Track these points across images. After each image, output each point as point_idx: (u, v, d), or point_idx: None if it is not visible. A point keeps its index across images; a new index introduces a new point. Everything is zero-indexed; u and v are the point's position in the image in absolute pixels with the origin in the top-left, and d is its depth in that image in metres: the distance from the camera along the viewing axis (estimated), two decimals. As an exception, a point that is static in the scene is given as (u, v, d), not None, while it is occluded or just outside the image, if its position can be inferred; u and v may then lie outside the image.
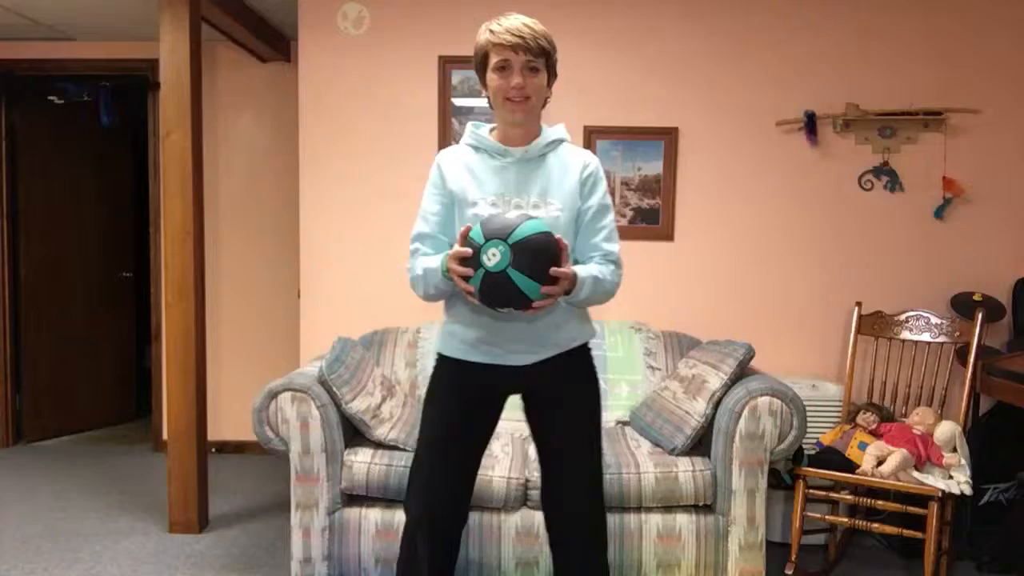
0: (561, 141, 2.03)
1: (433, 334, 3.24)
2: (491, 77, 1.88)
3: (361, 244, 3.50)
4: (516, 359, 1.95)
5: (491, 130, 2.01)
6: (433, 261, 1.89)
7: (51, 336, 4.69)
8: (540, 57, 1.87)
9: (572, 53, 3.42)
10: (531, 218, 1.75)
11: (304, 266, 3.52)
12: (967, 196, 3.36)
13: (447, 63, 3.42)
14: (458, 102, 3.43)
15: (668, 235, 3.45)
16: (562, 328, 1.96)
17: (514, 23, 1.85)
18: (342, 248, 3.50)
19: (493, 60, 1.86)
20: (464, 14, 3.42)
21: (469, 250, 1.72)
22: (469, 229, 1.76)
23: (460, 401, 2.00)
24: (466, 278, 1.74)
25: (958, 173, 3.35)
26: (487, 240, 1.70)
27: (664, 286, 3.47)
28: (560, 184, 1.95)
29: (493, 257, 1.69)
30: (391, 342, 3.24)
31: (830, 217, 3.42)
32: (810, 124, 3.32)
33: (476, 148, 1.98)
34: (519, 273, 1.69)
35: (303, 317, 3.52)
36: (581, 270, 1.87)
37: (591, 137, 3.41)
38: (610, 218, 1.98)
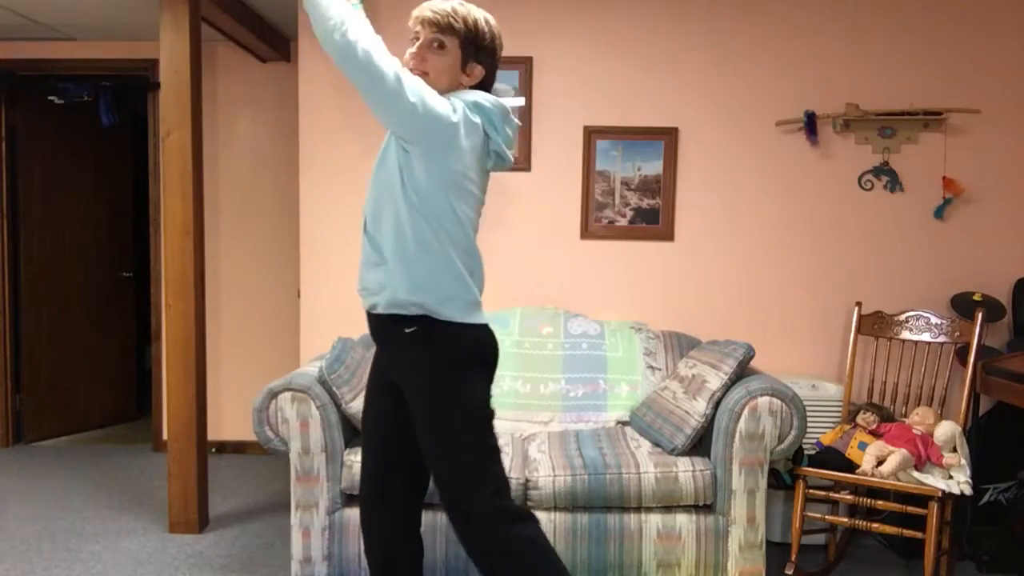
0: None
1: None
2: (408, 47, 1.89)
3: (361, 244, 3.49)
4: (365, 301, 1.93)
5: None
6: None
7: (51, 336, 4.69)
8: (449, 34, 1.84)
9: (572, 53, 3.42)
10: None
11: (304, 266, 3.52)
12: (967, 196, 3.36)
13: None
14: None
15: (668, 235, 3.45)
16: (371, 269, 1.88)
17: (439, 3, 1.87)
18: (342, 248, 3.50)
19: (411, 33, 1.89)
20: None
21: None
22: None
23: (373, 371, 2.05)
24: None
25: (958, 173, 3.35)
26: None
27: (664, 286, 3.47)
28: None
29: None
30: (391, 342, 3.23)
31: (830, 217, 3.42)
32: (810, 124, 3.32)
33: None
34: None
35: (303, 317, 3.53)
36: None
37: (591, 137, 3.41)
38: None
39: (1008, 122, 3.35)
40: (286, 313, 4.43)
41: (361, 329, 3.44)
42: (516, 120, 1.96)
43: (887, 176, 3.38)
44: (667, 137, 3.40)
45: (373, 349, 3.17)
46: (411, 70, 1.82)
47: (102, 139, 4.85)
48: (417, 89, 1.73)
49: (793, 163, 3.41)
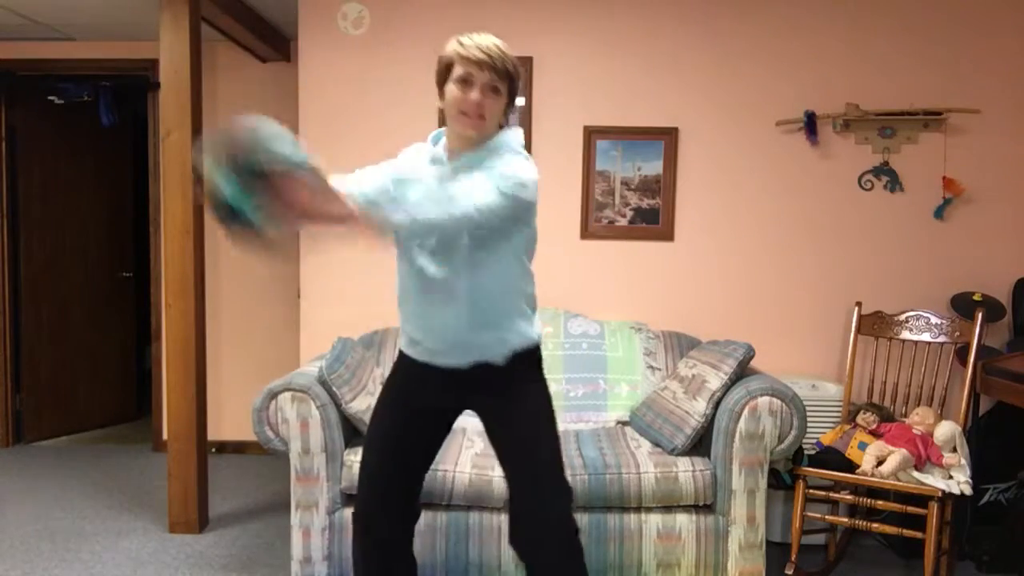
0: (505, 151, 1.88)
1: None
2: (451, 88, 1.83)
3: (361, 244, 3.49)
4: (442, 360, 1.93)
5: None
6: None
7: (51, 336, 4.69)
8: (504, 80, 1.83)
9: (572, 53, 3.42)
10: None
11: (304, 266, 3.52)
12: (967, 196, 3.36)
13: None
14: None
15: (668, 235, 3.45)
16: (480, 331, 1.89)
17: (484, 41, 1.82)
18: (342, 249, 3.50)
19: (456, 72, 1.82)
20: (464, 14, 3.42)
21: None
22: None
23: (403, 400, 2.01)
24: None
25: (958, 173, 3.35)
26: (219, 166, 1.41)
27: (664, 286, 3.47)
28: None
29: (224, 185, 1.40)
30: (391, 342, 3.24)
31: (830, 217, 3.42)
32: (810, 124, 3.32)
33: (430, 151, 1.96)
34: (224, 174, 1.37)
35: (303, 317, 3.53)
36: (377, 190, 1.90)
37: (591, 137, 3.41)
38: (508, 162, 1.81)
39: (1008, 122, 3.35)
40: (286, 313, 4.43)
41: (361, 329, 3.44)
42: None
43: (887, 176, 3.38)
44: (667, 137, 3.40)
45: (373, 349, 3.19)
46: (466, 114, 1.81)
47: (102, 139, 4.85)
48: (506, 187, 1.74)
49: (793, 163, 3.41)
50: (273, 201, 1.42)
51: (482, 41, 1.82)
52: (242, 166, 1.40)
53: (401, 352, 2.03)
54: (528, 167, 1.80)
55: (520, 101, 3.41)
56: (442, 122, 1.94)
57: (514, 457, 1.93)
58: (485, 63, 1.79)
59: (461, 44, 1.82)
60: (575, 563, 1.92)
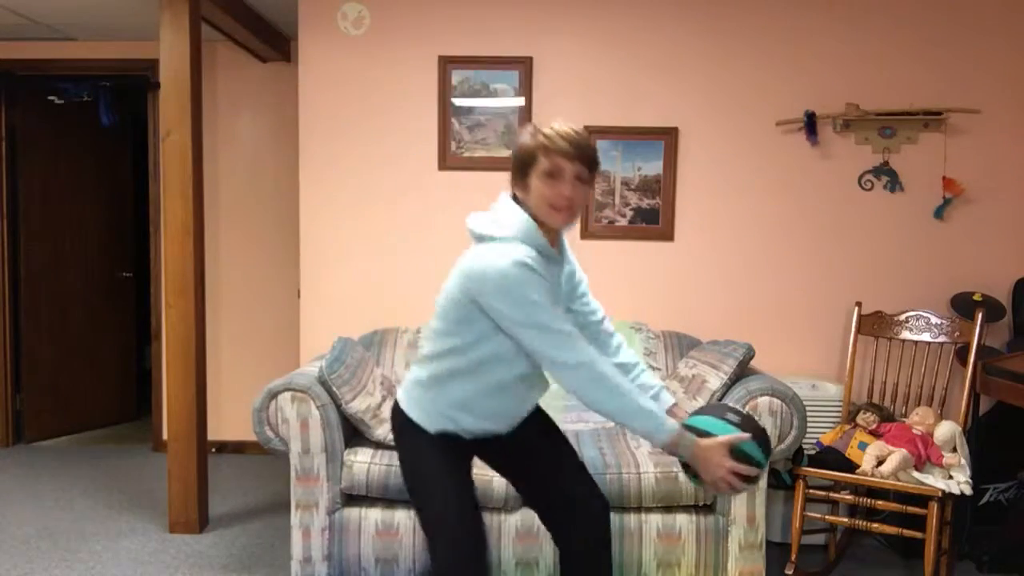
0: None
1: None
2: (536, 182, 1.76)
3: (361, 244, 3.50)
4: (506, 427, 1.99)
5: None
6: (658, 414, 1.74)
7: (51, 336, 4.69)
8: (589, 169, 1.79)
9: (572, 53, 3.42)
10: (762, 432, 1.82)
11: (304, 266, 3.52)
12: (967, 196, 3.36)
13: (447, 63, 3.42)
14: (458, 102, 3.43)
15: (668, 235, 3.45)
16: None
17: (567, 129, 1.78)
18: (342, 248, 3.50)
19: (542, 165, 1.75)
20: (464, 14, 3.42)
21: (754, 470, 1.75)
22: (735, 446, 1.74)
23: (459, 462, 1.96)
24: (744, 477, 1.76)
25: (958, 173, 3.35)
26: (765, 455, 1.79)
27: (664, 286, 3.47)
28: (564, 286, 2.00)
29: (763, 472, 1.83)
30: (391, 342, 3.24)
31: (830, 217, 3.42)
32: (810, 124, 3.32)
33: (537, 249, 1.79)
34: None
35: (303, 317, 3.53)
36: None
37: (591, 137, 3.40)
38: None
39: (1008, 122, 3.35)
40: (286, 313, 4.43)
41: (361, 329, 3.44)
42: None
43: (887, 176, 3.38)
44: (667, 137, 3.40)
45: (373, 349, 3.19)
46: (557, 208, 1.76)
47: (102, 139, 4.85)
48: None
49: (793, 163, 3.41)
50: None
51: (566, 131, 1.78)
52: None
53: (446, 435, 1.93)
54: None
55: (520, 101, 3.41)
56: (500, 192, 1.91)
57: (559, 454, 2.04)
58: (573, 155, 1.76)
59: (545, 136, 1.77)
60: (610, 551, 2.03)
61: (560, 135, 1.76)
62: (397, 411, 1.95)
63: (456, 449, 1.92)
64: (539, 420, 2.08)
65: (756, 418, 1.97)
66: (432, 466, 1.90)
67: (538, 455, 2.04)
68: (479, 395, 1.86)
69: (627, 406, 1.72)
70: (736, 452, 1.71)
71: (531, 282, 1.70)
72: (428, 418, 1.89)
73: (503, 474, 2.10)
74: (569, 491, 2.00)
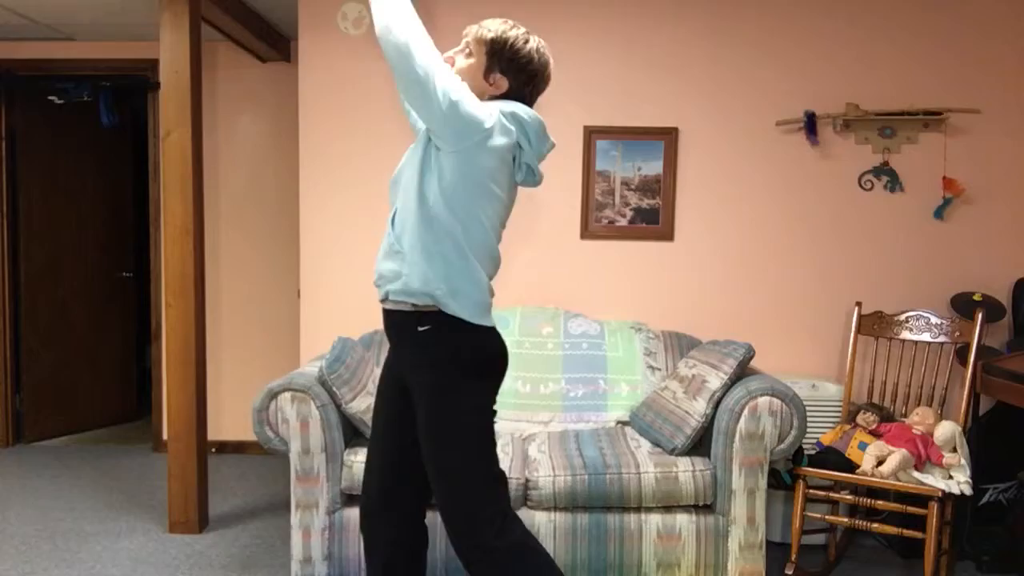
0: None
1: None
2: (513, 85, 1.94)
3: (361, 244, 3.50)
4: (380, 290, 1.93)
5: None
6: None
7: (51, 336, 4.69)
8: (478, 43, 1.96)
9: (572, 53, 3.42)
10: None
11: (304, 266, 3.52)
12: (967, 196, 3.36)
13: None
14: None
15: (668, 235, 3.45)
16: (390, 257, 1.88)
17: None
18: (342, 248, 3.50)
19: (532, 82, 1.96)
20: (465, 12, 3.42)
21: None
22: None
23: (386, 373, 2.04)
24: None
25: (958, 173, 3.35)
26: None
27: (664, 286, 3.47)
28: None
29: None
30: (391, 342, 3.23)
31: (830, 217, 3.42)
32: (810, 124, 3.32)
33: None
34: None
35: (303, 317, 3.53)
36: None
37: (591, 137, 3.41)
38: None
39: (1008, 122, 3.35)
40: (286, 313, 4.43)
41: (361, 329, 3.44)
42: (552, 139, 1.97)
43: (887, 176, 3.38)
44: (667, 137, 3.40)
45: (373, 349, 3.19)
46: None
47: (102, 139, 4.85)
48: (453, 90, 1.75)
49: (793, 163, 3.41)
50: None
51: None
52: None
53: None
54: (485, 108, 1.81)
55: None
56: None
57: (403, 436, 2.00)
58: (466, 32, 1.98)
59: (550, 70, 1.99)
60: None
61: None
62: None
63: (389, 375, 2.02)
64: (414, 382, 1.90)
65: None
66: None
67: (389, 416, 2.00)
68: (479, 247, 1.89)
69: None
70: None
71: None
72: None
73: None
74: (388, 481, 1.99)
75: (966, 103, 3.33)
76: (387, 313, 1.93)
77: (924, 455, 2.67)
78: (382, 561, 2.04)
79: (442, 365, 1.85)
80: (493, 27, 1.91)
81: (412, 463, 1.99)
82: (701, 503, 2.57)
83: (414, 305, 1.84)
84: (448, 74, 1.77)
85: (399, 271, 1.85)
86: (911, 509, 2.62)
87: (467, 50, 1.94)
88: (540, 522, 2.55)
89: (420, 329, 1.85)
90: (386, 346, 3.18)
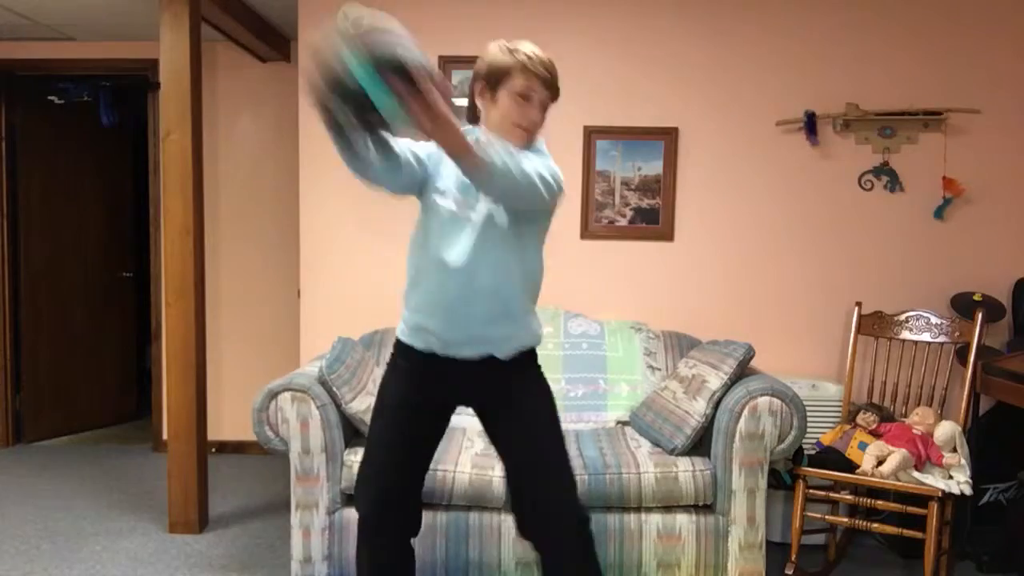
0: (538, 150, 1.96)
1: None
2: (506, 98, 1.84)
3: (361, 244, 3.50)
4: (452, 352, 1.92)
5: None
6: None
7: (51, 336, 4.69)
8: (554, 99, 1.91)
9: (572, 53, 3.42)
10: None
11: (304, 266, 3.52)
12: (967, 196, 3.36)
13: (447, 63, 3.42)
14: (458, 102, 3.42)
15: (668, 235, 3.45)
16: (498, 324, 1.90)
17: (543, 56, 1.86)
18: (342, 248, 3.50)
19: (517, 84, 1.83)
20: (464, 14, 3.42)
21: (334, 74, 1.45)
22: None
23: (405, 394, 1.98)
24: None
25: (958, 173, 3.35)
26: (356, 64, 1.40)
27: (664, 286, 3.47)
28: None
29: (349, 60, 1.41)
30: (391, 342, 3.24)
31: (830, 217, 3.42)
32: (810, 124, 3.32)
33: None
34: (360, 60, 1.39)
35: (303, 317, 3.53)
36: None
37: (591, 137, 3.41)
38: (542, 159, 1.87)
39: (1008, 122, 3.35)
40: (286, 313, 4.43)
41: (361, 329, 3.44)
42: None
43: (887, 176, 3.38)
44: (667, 137, 3.40)
45: (373, 349, 3.19)
46: (523, 129, 1.84)
47: (102, 139, 4.85)
48: (549, 168, 1.79)
49: (793, 163, 3.41)
50: (410, 98, 1.43)
51: (544, 58, 1.86)
52: (380, 57, 1.39)
53: (401, 343, 1.99)
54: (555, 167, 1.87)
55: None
56: (472, 119, 1.94)
57: (521, 452, 1.95)
58: (548, 82, 1.85)
59: (527, 57, 1.83)
60: (587, 552, 1.95)
61: (540, 61, 1.85)
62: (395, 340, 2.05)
63: (421, 386, 1.96)
64: (520, 398, 1.98)
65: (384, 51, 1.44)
66: (384, 392, 2.01)
67: (511, 437, 1.97)
68: (409, 285, 1.94)
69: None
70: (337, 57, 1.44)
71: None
72: (405, 332, 1.98)
73: (492, 440, 2.05)
74: (539, 494, 1.94)
75: (966, 103, 3.33)
76: (484, 362, 1.93)
77: (924, 455, 2.67)
78: (389, 564, 2.05)
79: (544, 377, 2.04)
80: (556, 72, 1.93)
81: (423, 478, 2.06)
82: (701, 503, 2.57)
83: (521, 349, 1.96)
84: (530, 158, 1.75)
85: (512, 333, 1.93)
86: (911, 509, 2.62)
87: (546, 104, 1.89)
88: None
89: (533, 359, 2.01)
90: (385, 346, 3.20)
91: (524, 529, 1.98)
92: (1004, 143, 3.35)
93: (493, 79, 1.86)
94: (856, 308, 3.17)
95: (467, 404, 2.02)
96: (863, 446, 2.73)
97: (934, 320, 3.05)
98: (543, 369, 2.06)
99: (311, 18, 3.45)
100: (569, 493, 1.94)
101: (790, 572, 2.74)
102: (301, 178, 3.50)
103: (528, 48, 1.86)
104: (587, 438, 2.83)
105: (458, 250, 1.83)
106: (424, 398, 1.99)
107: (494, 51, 1.87)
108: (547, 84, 1.85)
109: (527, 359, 1.98)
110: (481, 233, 1.84)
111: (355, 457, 2.57)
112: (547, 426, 1.98)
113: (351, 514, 2.58)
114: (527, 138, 1.87)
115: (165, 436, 3.42)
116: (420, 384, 1.98)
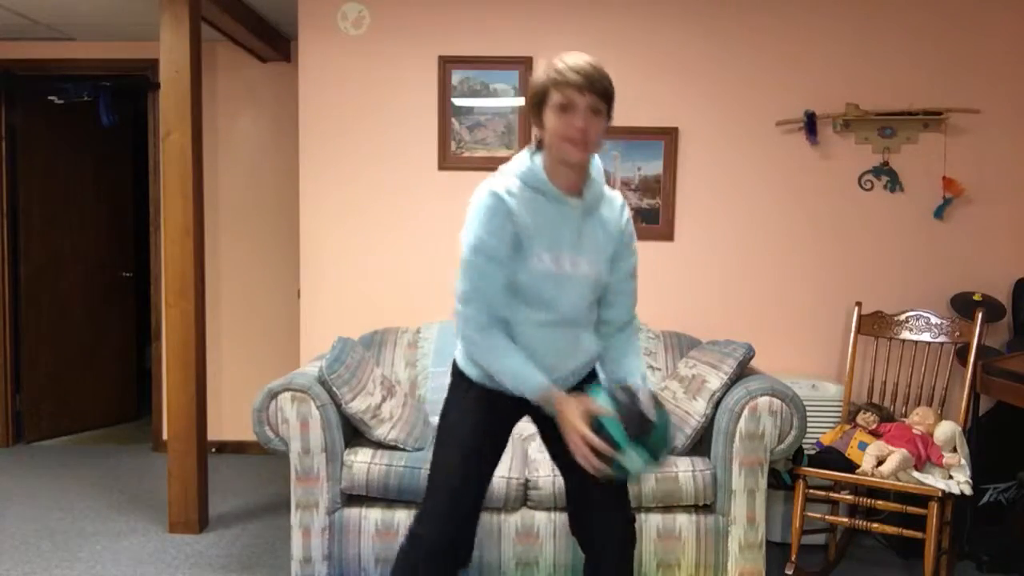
0: (603, 185, 1.93)
1: (433, 334, 3.24)
2: (550, 115, 1.76)
3: (361, 244, 3.50)
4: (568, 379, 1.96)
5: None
6: (526, 371, 1.77)
7: (51, 336, 4.69)
8: (604, 100, 1.81)
9: (572, 53, 3.42)
10: (660, 407, 1.73)
11: (304, 266, 3.52)
12: (967, 196, 3.36)
13: (447, 63, 3.42)
14: (458, 102, 3.43)
15: (668, 235, 3.45)
16: (590, 356, 2.00)
17: (579, 61, 1.78)
18: (342, 248, 3.50)
19: (554, 98, 1.75)
20: (464, 14, 3.42)
21: (608, 449, 1.66)
22: (595, 416, 1.69)
23: (480, 419, 1.94)
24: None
25: (958, 173, 3.35)
26: (629, 440, 1.66)
27: (664, 286, 3.47)
28: (607, 244, 1.91)
29: (632, 461, 1.67)
30: (391, 342, 3.24)
31: (830, 217, 3.42)
32: (810, 124, 3.32)
33: (532, 188, 1.80)
34: (650, 464, 1.72)
35: (303, 317, 3.53)
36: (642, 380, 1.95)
37: (603, 69, 3.39)
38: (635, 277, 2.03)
39: (1008, 122, 3.35)
40: (286, 313, 4.43)
41: (361, 329, 3.44)
42: None
43: (887, 176, 3.38)
44: (667, 137, 3.40)
45: (373, 349, 3.19)
46: (571, 141, 1.75)
47: (102, 139, 4.85)
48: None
49: (793, 163, 3.41)
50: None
51: (577, 63, 1.77)
52: (652, 447, 1.69)
53: (466, 377, 1.96)
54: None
55: (520, 101, 3.41)
56: (524, 141, 1.94)
57: None
58: (584, 86, 1.76)
59: (556, 70, 1.77)
60: (631, 551, 2.01)
61: (571, 68, 1.76)
62: (453, 362, 2.01)
63: (495, 408, 1.93)
64: None
65: (650, 407, 1.70)
66: (458, 416, 1.95)
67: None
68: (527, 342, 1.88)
69: (495, 362, 1.78)
70: (595, 423, 1.68)
71: (486, 209, 1.74)
72: (468, 366, 1.94)
73: (552, 454, 2.06)
74: (591, 497, 1.96)
75: (966, 103, 3.33)
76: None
77: (924, 455, 2.67)
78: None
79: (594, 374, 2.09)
80: (607, 76, 1.87)
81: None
82: (701, 503, 2.57)
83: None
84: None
85: (593, 356, 2.00)
86: (911, 509, 2.62)
87: (596, 108, 1.80)
88: (540, 522, 2.55)
89: (593, 371, 2.07)
90: (385, 346, 3.20)
91: (577, 527, 2.02)
92: (1004, 143, 3.35)
93: (537, 102, 1.80)
94: (856, 308, 3.17)
95: (527, 414, 2.02)
96: (863, 446, 2.73)
97: (934, 320, 3.05)
98: None
99: (311, 18, 3.45)
100: (620, 492, 1.98)
101: (790, 572, 2.74)
102: (301, 178, 3.50)
103: (564, 59, 1.78)
104: (587, 438, 2.82)
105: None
106: (496, 418, 1.97)
107: (536, 73, 1.83)
108: (582, 88, 1.74)
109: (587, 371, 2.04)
110: (593, 267, 1.93)
111: (355, 457, 2.57)
112: None
113: (351, 514, 2.59)
114: (582, 150, 1.76)
115: (165, 436, 3.42)
116: (491, 406, 1.94)
